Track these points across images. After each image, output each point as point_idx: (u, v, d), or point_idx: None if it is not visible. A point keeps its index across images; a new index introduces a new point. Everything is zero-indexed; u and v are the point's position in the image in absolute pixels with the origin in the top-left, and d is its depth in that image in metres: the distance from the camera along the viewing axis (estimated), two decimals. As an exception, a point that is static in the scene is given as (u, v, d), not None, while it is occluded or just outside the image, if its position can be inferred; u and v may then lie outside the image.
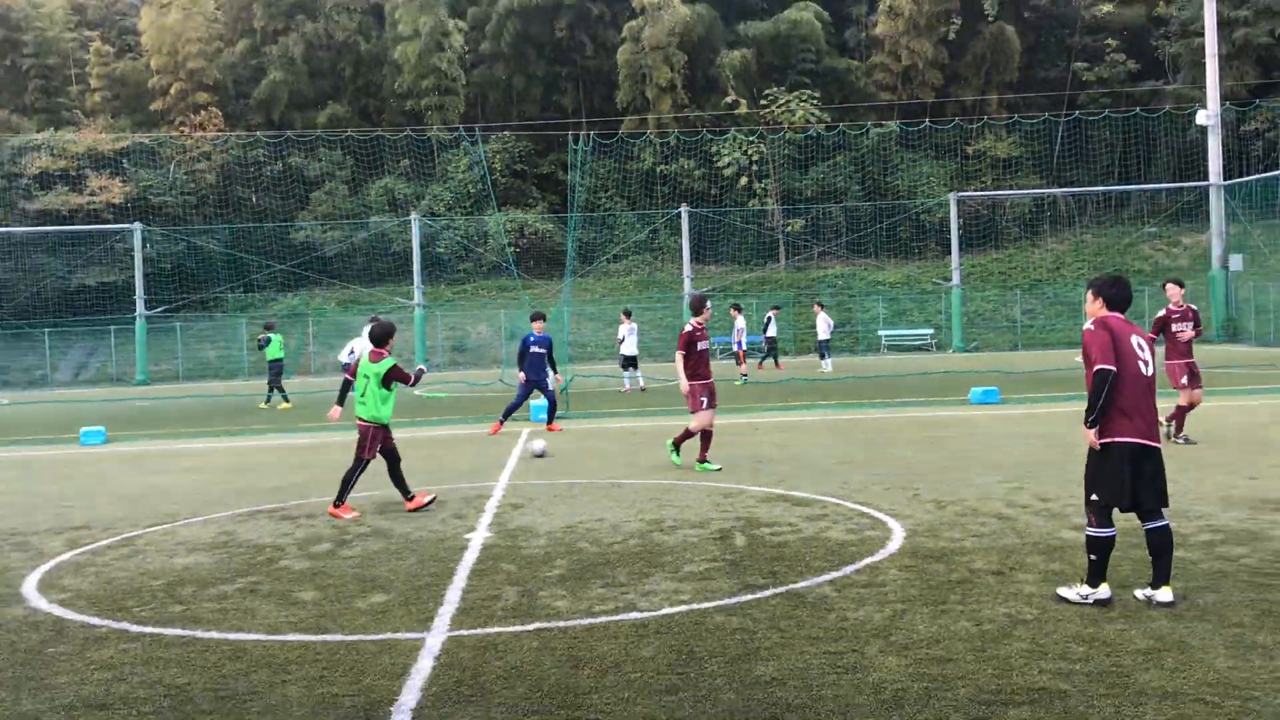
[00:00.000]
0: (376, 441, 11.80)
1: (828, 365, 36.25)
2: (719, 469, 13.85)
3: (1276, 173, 48.76)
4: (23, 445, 21.38)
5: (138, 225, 47.54)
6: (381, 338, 11.98)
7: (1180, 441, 14.59)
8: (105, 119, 60.45)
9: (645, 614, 7.25)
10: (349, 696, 5.85)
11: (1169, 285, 15.35)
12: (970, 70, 62.28)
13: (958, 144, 58.58)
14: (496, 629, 7.02)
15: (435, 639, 6.85)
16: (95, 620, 7.63)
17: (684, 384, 14.12)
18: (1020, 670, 5.86)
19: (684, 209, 48.87)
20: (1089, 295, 7.50)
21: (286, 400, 28.66)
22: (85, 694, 6.04)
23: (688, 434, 14.30)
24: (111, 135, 56.78)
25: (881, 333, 50.10)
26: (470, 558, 9.18)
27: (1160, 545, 6.99)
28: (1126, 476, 6.93)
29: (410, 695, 5.83)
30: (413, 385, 12.07)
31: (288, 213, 56.32)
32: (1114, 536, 7.05)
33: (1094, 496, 7.02)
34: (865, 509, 10.81)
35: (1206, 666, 5.81)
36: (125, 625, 7.46)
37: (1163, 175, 56.74)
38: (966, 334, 47.75)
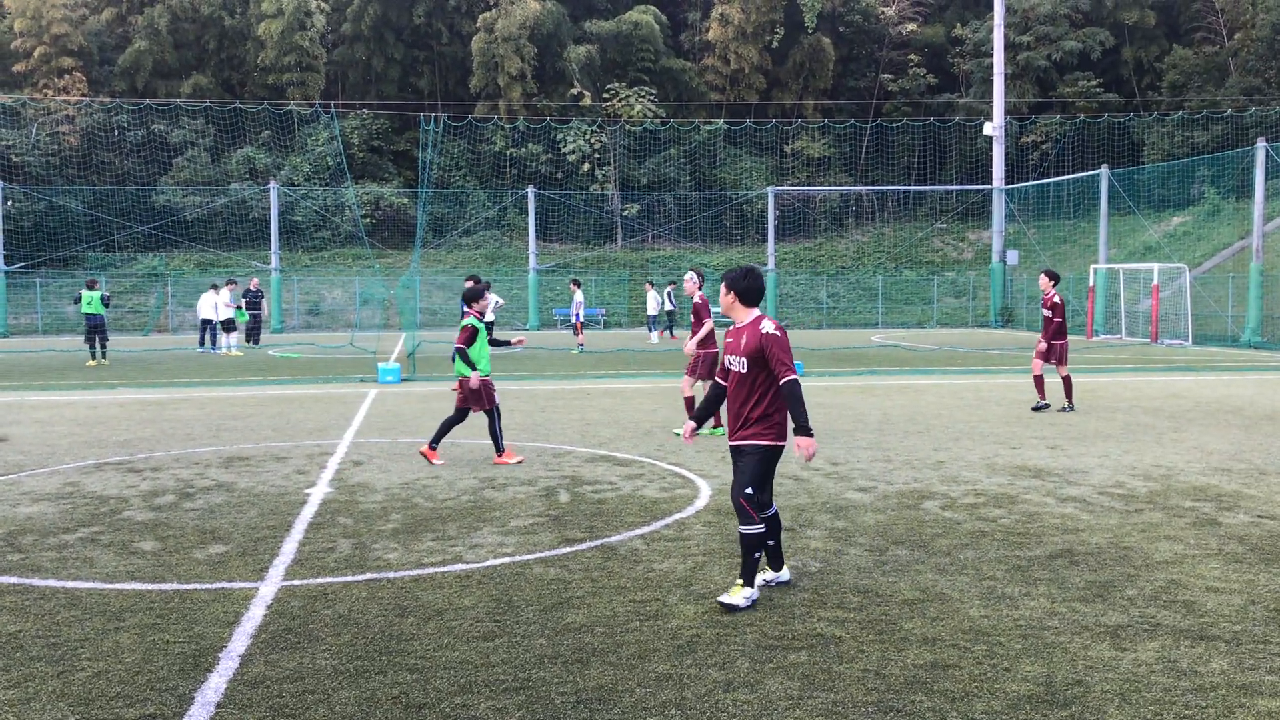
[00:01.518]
0: (491, 391, 11.45)
1: (654, 338, 36.56)
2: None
3: (1048, 180, 51.18)
4: None
5: (-3, 183, 44.61)
6: (468, 298, 11.66)
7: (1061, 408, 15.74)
8: (-35, 77, 56.53)
9: (470, 565, 7.17)
10: (179, 643, 5.61)
11: (1040, 275, 16.36)
12: (790, 76, 63.36)
13: (777, 143, 59.62)
14: (328, 579, 6.84)
15: (268, 588, 6.64)
16: (-71, 569, 7.14)
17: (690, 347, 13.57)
18: (801, 618, 6.00)
19: (531, 190, 48.43)
20: (723, 289, 6.50)
21: (94, 358, 27.17)
22: (-88, 642, 5.64)
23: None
24: (-29, 94, 53.12)
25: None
26: (309, 512, 8.92)
27: (779, 530, 6.59)
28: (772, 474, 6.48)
29: (240, 642, 5.63)
30: (492, 345, 11.82)
31: (149, 177, 53.68)
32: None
33: (749, 491, 6.22)
34: (678, 469, 10.92)
35: (962, 615, 6.04)
36: (-40, 574, 7.01)
37: (953, 178, 58.98)
38: (779, 313, 48.76)
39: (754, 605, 6.14)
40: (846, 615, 6.04)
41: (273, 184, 47.74)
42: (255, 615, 6.08)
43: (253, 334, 33.94)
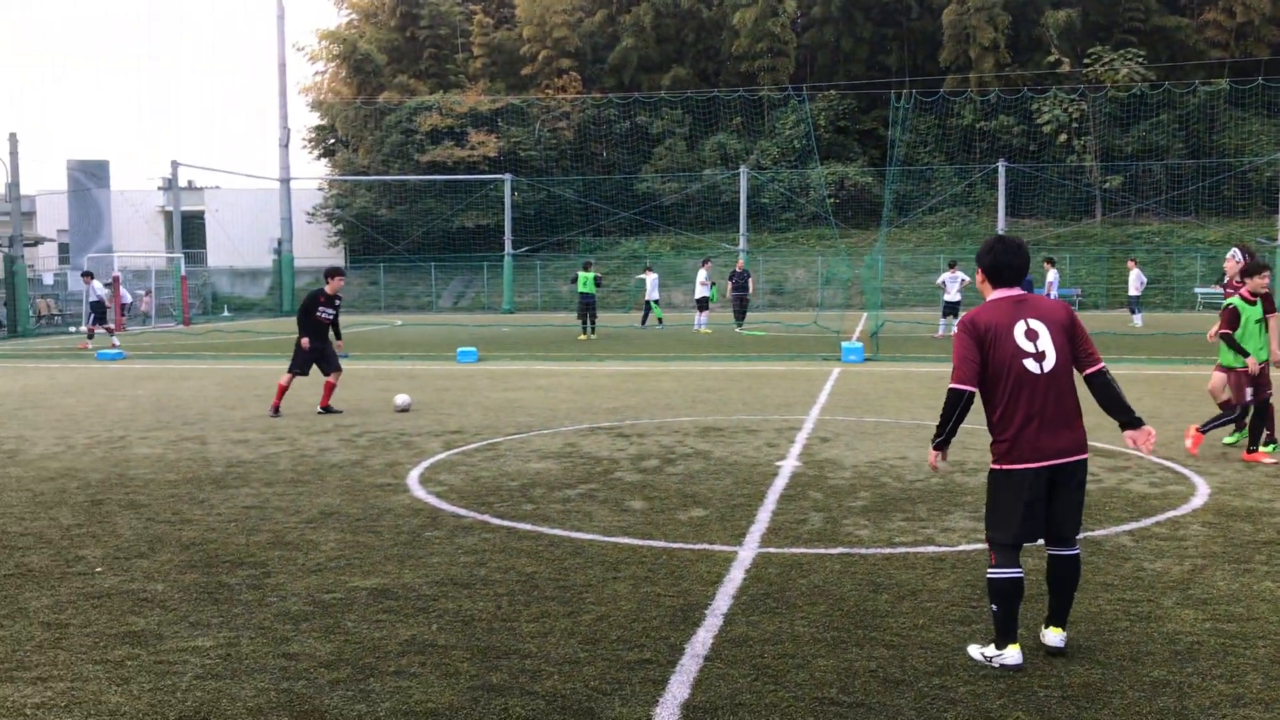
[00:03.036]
0: (1243, 384, 10.27)
1: (1138, 320, 33.80)
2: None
3: None
4: (411, 360, 23.24)
5: (508, 176, 50.27)
6: (1250, 271, 10.27)
7: None
8: (484, 82, 63.87)
9: (943, 548, 7.08)
10: (669, 597, 6.05)
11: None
12: (1312, 25, 55.56)
13: (1293, 102, 52.57)
14: (802, 550, 7.05)
15: (747, 553, 6.96)
16: (463, 511, 8.24)
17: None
18: (1328, 637, 5.32)
19: (1001, 164, 46.56)
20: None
21: (584, 332, 29.50)
22: (453, 574, 6.55)
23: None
24: (489, 97, 60.00)
25: (1196, 290, 46.10)
26: (780, 483, 9.23)
27: (1063, 578, 5.16)
28: (1022, 508, 5.00)
29: (723, 601, 5.96)
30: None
31: (633, 166, 57.87)
32: (1020, 579, 5.02)
33: (986, 525, 5.19)
34: (1170, 464, 10.05)
35: None
36: (487, 518, 8.02)
37: None
38: (1290, 294, 43.14)
39: (998, 667, 4.92)
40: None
41: (743, 168, 49.70)
42: (735, 578, 6.41)
43: (739, 314, 34.09)
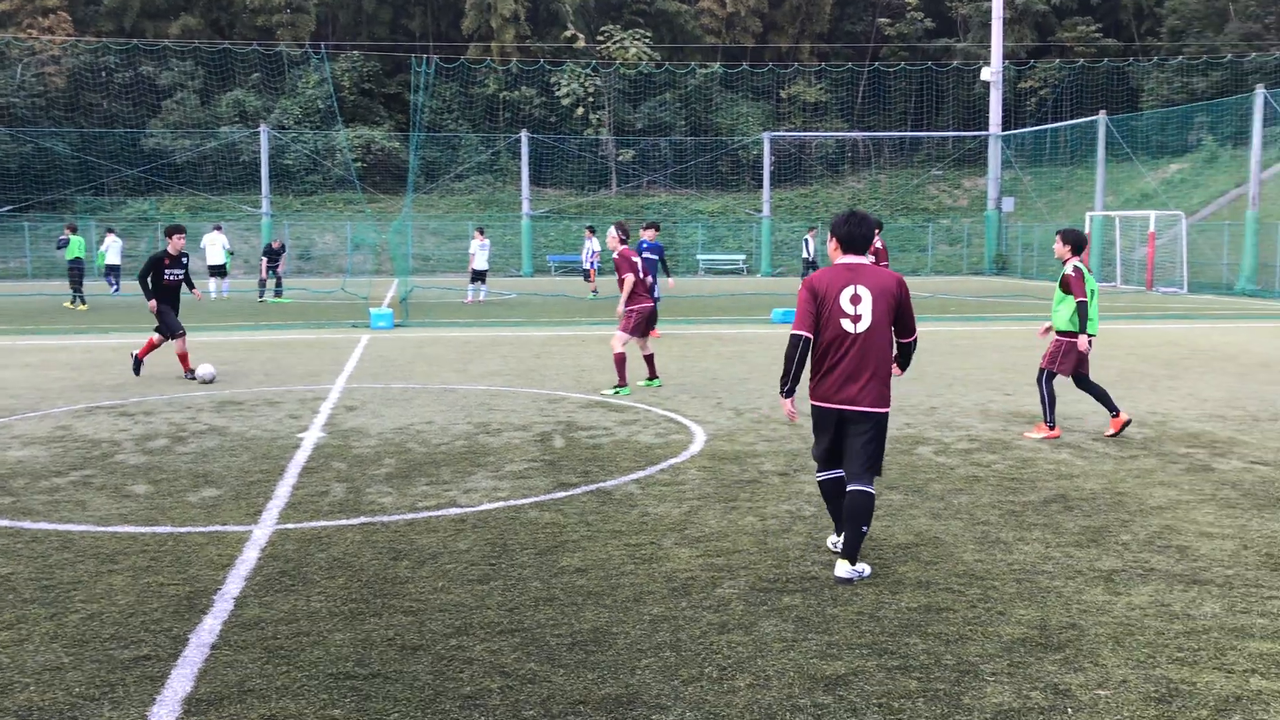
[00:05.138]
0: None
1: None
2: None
3: (1046, 126, 50.84)
4: None
5: (-17, 125, 44.12)
6: (1074, 242, 9.72)
7: None
8: (-51, 17, 55.53)
9: (465, 509, 7.17)
10: (174, 585, 5.61)
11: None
12: (786, 20, 62.60)
13: (773, 87, 59.01)
14: (322, 523, 6.84)
15: (262, 531, 6.63)
16: (-79, 511, 7.12)
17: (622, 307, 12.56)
18: (796, 561, 6.01)
19: (524, 134, 47.99)
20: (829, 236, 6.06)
21: (83, 303, 27.04)
22: (-95, 584, 5.63)
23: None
24: (-45, 33, 52.29)
25: (699, 257, 50.57)
26: (302, 456, 8.90)
27: (850, 507, 5.75)
28: (819, 434, 6.01)
29: (234, 584, 5.63)
30: None
31: (138, 120, 53.01)
32: (827, 479, 6.08)
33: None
34: (673, 415, 10.91)
35: (956, 559, 6.06)
36: (-48, 517, 6.99)
37: (949, 124, 58.52)
38: (774, 260, 48.62)
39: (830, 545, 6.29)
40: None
41: (263, 127, 47.23)
42: (249, 558, 6.08)
43: (276, 288, 30.44)
